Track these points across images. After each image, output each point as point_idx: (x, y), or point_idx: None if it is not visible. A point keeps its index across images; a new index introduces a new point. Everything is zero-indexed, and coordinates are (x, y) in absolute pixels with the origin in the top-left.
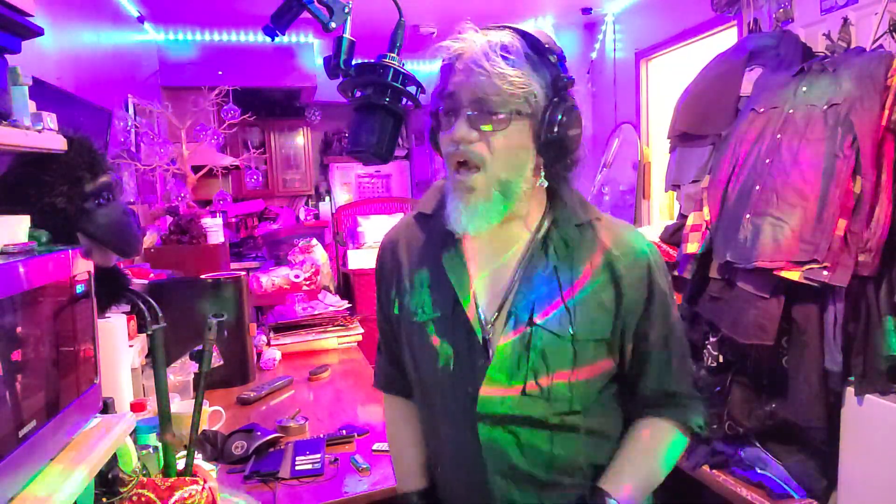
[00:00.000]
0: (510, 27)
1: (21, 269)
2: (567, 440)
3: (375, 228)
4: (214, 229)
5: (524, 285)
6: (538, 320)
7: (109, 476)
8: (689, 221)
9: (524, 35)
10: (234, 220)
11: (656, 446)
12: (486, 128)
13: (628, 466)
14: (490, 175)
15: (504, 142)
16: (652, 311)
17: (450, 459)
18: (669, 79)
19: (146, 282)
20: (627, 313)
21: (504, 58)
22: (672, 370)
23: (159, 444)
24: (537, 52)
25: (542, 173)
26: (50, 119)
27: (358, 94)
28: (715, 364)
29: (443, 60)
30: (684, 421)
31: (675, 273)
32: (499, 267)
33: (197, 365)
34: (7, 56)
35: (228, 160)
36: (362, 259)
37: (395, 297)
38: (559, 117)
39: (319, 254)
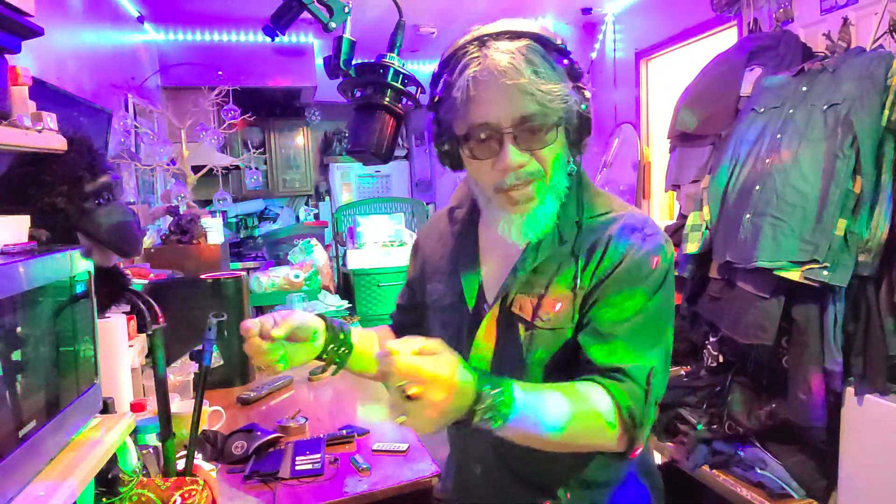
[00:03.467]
0: (517, 32)
1: (21, 269)
2: None
3: (375, 228)
4: (214, 229)
5: (511, 278)
6: (517, 311)
7: (109, 476)
8: (689, 221)
9: (533, 37)
10: (234, 220)
11: (583, 395)
12: (535, 145)
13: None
14: (547, 184)
15: (551, 151)
16: (626, 308)
17: (452, 444)
18: (669, 79)
19: (146, 282)
20: (601, 304)
21: (534, 70)
22: (624, 348)
23: (159, 444)
24: (553, 50)
25: (571, 160)
26: (50, 119)
27: (358, 94)
28: (715, 364)
29: (454, 79)
30: (617, 398)
31: (676, 273)
32: (505, 256)
33: (197, 365)
34: (7, 56)
35: (228, 160)
36: (362, 259)
37: (424, 281)
38: (579, 104)
39: (319, 254)
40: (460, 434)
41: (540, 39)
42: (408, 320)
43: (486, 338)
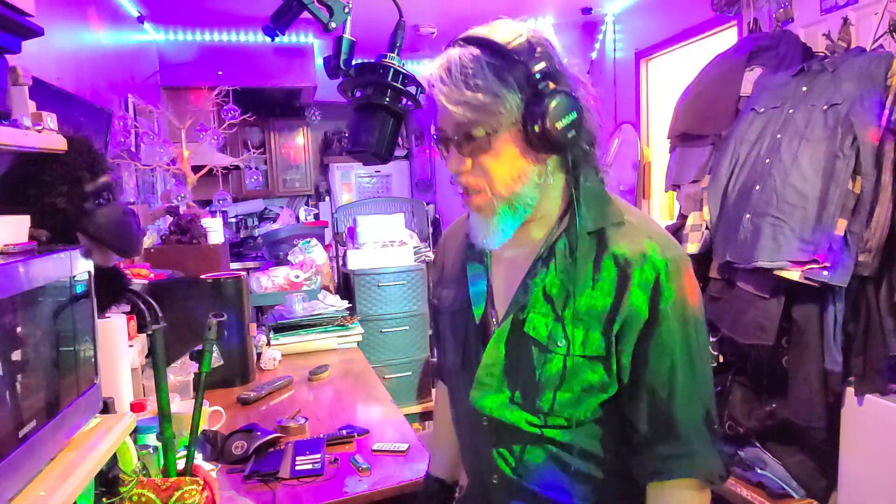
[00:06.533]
0: (471, 38)
1: (21, 269)
2: (543, 453)
3: (375, 228)
4: (214, 229)
5: (522, 294)
6: (530, 331)
7: (109, 476)
8: (689, 221)
9: (483, 44)
10: (234, 220)
11: None
12: (473, 152)
13: None
14: (491, 195)
15: (495, 161)
16: (653, 333)
17: (462, 450)
18: (669, 79)
19: (146, 282)
20: (625, 331)
21: (464, 80)
22: (675, 404)
23: (159, 444)
24: (500, 56)
25: (549, 168)
26: (50, 119)
27: (358, 94)
28: (715, 364)
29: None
30: (697, 475)
31: None
32: (515, 267)
33: (197, 365)
34: (7, 56)
35: (228, 160)
36: (362, 259)
37: (435, 286)
38: (536, 113)
39: (319, 254)
40: (477, 452)
41: (489, 46)
42: None
43: (495, 353)
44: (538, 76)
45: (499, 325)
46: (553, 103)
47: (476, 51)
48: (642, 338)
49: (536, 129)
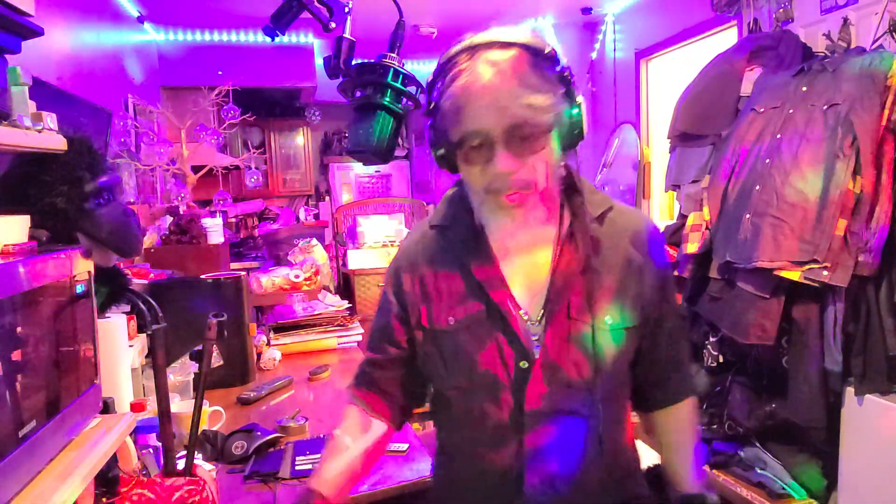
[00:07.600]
0: (505, 42)
1: (21, 269)
2: (575, 430)
3: (375, 228)
4: (214, 229)
5: (559, 281)
6: (578, 316)
7: (109, 476)
8: (689, 221)
9: (522, 46)
10: (234, 220)
11: (689, 427)
12: (526, 152)
13: (681, 458)
14: (538, 191)
15: (544, 157)
16: (665, 292)
17: (479, 475)
18: (669, 79)
19: (146, 282)
20: (649, 298)
21: (520, 81)
22: (681, 345)
23: (159, 444)
24: (542, 58)
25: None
26: (50, 119)
27: (358, 94)
28: (715, 364)
29: (445, 88)
30: (694, 394)
31: (676, 273)
32: (531, 264)
33: (197, 365)
34: (7, 56)
35: (228, 160)
36: (362, 259)
37: (419, 308)
38: (570, 110)
39: (319, 254)
40: (493, 441)
41: (529, 48)
42: (391, 373)
43: (551, 345)
44: (568, 76)
45: (533, 319)
46: (580, 102)
47: (521, 52)
48: (655, 301)
49: (572, 124)
